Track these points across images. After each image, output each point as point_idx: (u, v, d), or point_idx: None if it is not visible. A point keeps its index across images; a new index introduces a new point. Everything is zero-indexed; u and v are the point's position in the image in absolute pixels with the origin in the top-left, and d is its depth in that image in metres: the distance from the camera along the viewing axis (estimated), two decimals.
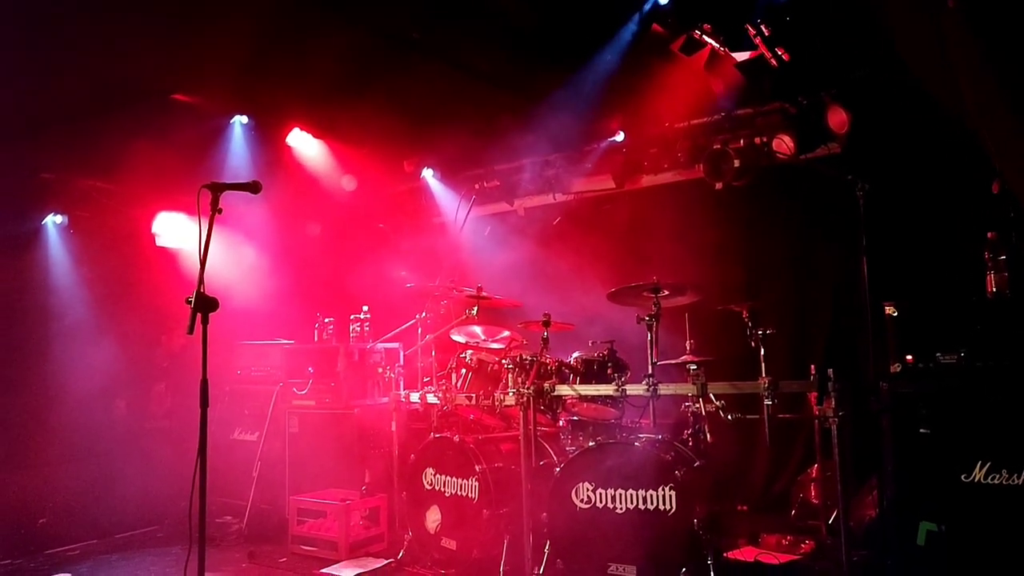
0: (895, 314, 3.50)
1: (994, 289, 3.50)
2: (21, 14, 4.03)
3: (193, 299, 2.95)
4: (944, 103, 2.52)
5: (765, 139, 5.25)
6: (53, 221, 6.13)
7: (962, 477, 3.24)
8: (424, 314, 5.12)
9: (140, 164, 5.74)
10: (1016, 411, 3.18)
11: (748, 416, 4.25)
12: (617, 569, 3.74)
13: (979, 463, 3.22)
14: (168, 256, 6.38)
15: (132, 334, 6.15)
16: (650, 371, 4.13)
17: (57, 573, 4.78)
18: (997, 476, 3.18)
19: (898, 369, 3.47)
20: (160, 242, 6.42)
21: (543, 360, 4.39)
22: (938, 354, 3.38)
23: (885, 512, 3.50)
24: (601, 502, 3.85)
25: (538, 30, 4.66)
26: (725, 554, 4.17)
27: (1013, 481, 3.14)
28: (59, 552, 5.28)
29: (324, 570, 4.64)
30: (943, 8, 2.31)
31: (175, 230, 6.41)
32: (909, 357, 3.45)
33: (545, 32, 4.69)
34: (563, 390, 4.33)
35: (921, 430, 3.36)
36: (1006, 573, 3.12)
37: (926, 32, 2.43)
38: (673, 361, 4.47)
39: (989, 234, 3.54)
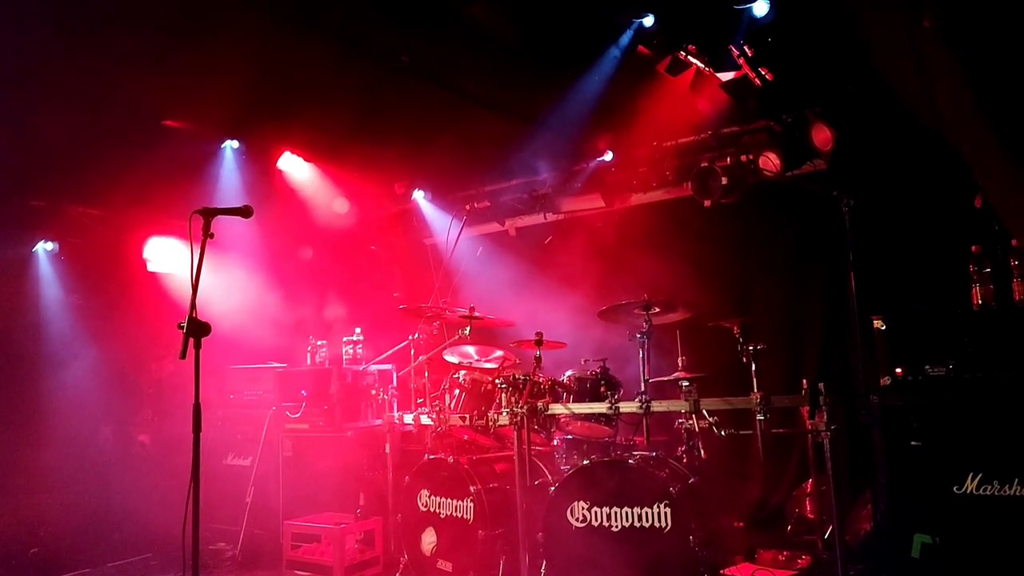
0: (883, 328, 3.54)
1: (980, 301, 3.55)
2: (10, 42, 4.06)
3: (185, 324, 2.95)
4: (924, 118, 2.57)
5: (752, 157, 5.31)
6: (44, 248, 6.12)
7: (954, 489, 3.26)
8: (417, 335, 5.12)
9: (131, 190, 5.76)
10: (1005, 422, 3.21)
11: (741, 432, 4.26)
12: None
13: (971, 474, 3.24)
14: (159, 281, 6.37)
15: (123, 360, 6.13)
16: (643, 388, 4.14)
17: None
18: (989, 487, 3.20)
19: (888, 382, 3.49)
20: (151, 267, 6.42)
21: (536, 379, 4.39)
22: (927, 367, 3.42)
23: (879, 526, 3.51)
24: (596, 520, 3.85)
25: (526, 52, 4.72)
26: (722, 571, 4.16)
27: (1005, 492, 3.16)
28: None
29: None
30: (918, 25, 2.37)
31: (166, 255, 6.41)
32: (899, 370, 3.48)
33: (533, 54, 4.75)
34: (557, 409, 4.33)
35: (912, 443, 3.38)
36: None
37: (903, 48, 2.49)
38: (665, 378, 4.49)
39: (973, 247, 3.60)
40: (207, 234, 3.10)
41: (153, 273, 6.43)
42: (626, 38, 4.51)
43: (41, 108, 4.73)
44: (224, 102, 4.99)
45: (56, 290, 6.05)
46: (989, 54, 2.47)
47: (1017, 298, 3.47)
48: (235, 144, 6.05)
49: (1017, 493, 3.13)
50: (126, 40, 4.22)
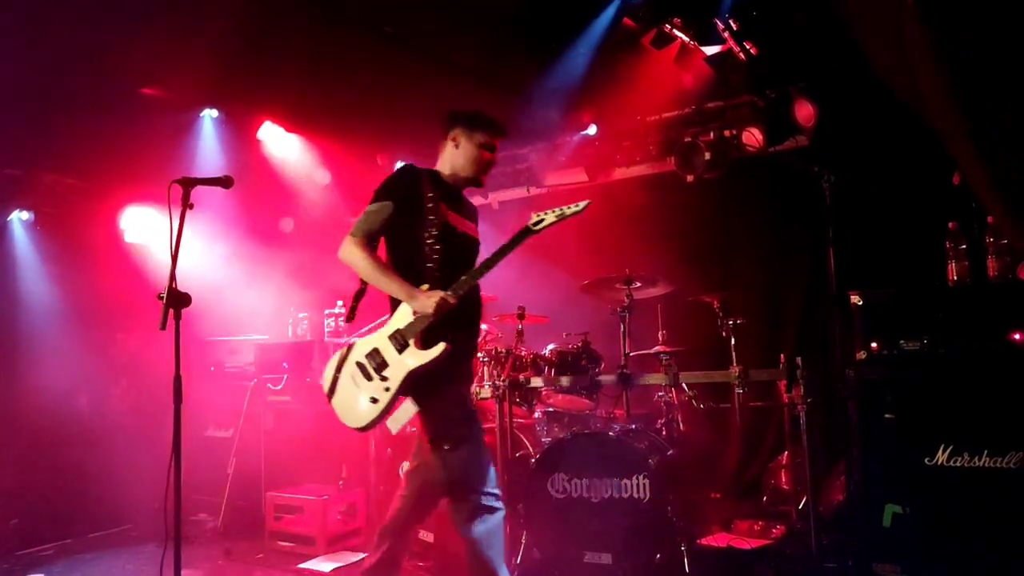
0: (860, 303, 3.58)
1: (955, 277, 3.60)
2: None
3: (165, 295, 2.93)
4: (903, 96, 2.58)
5: (735, 132, 5.33)
6: (19, 218, 6.02)
7: (925, 460, 3.33)
8: None
9: (108, 159, 5.66)
10: (975, 395, 3.28)
11: (720, 405, 4.35)
12: (593, 557, 3.79)
13: (942, 446, 3.31)
14: (136, 252, 6.29)
15: (99, 332, 6.07)
16: (623, 362, 4.19)
17: (31, 573, 4.72)
18: (959, 459, 3.27)
19: (863, 356, 3.55)
20: (128, 238, 6.33)
21: (518, 352, 4.42)
22: (902, 341, 3.47)
23: (852, 496, 3.59)
24: (576, 492, 3.90)
25: (511, 23, 4.67)
26: (698, 540, 4.25)
27: (974, 463, 3.24)
28: (32, 552, 5.22)
29: (302, 565, 4.64)
30: (903, 4, 2.37)
31: (144, 226, 6.33)
32: (874, 344, 3.53)
33: (518, 25, 4.70)
34: (538, 382, 4.37)
35: (886, 415, 3.45)
36: (967, 551, 3.22)
37: (885, 27, 2.49)
38: (646, 352, 4.54)
39: (950, 224, 3.64)
40: (187, 204, 3.07)
41: (130, 244, 6.35)
42: (612, 10, 4.48)
43: (15, 75, 4.62)
44: (203, 71, 4.90)
45: (33, 260, 5.96)
46: (968, 34, 2.47)
47: (991, 274, 3.53)
48: (214, 113, 5.96)
49: (985, 465, 3.22)
50: (103, 3, 4.12)
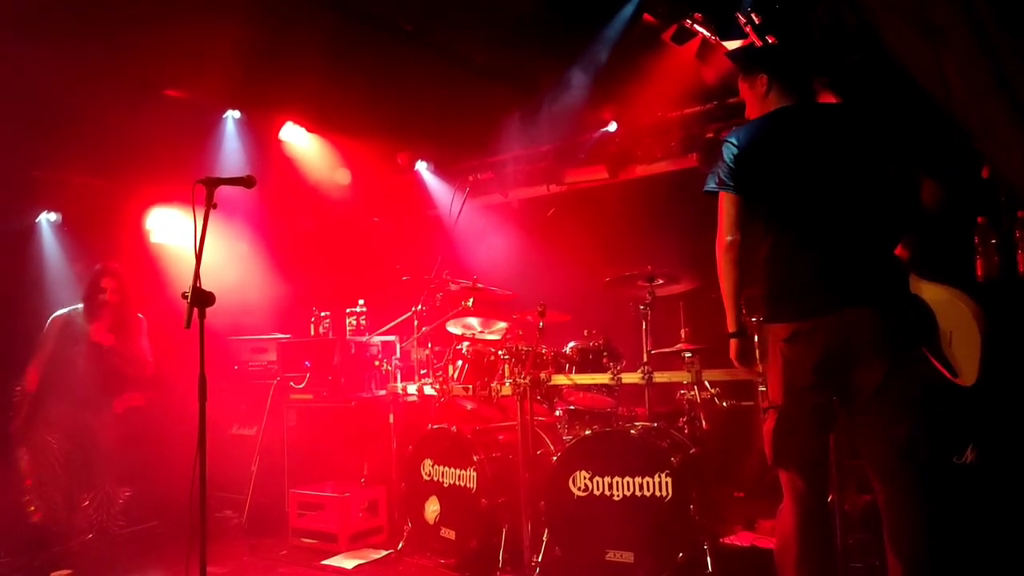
0: None
1: (984, 273, 3.54)
2: (8, 9, 4.02)
3: (189, 293, 2.96)
4: (931, 89, 2.53)
5: None
6: (47, 219, 6.12)
7: (954, 460, 3.28)
8: (420, 307, 5.13)
9: (133, 160, 5.74)
10: (1005, 394, 3.22)
11: (743, 403, 4.29)
12: (615, 555, 3.78)
13: (970, 447, 3.26)
14: (162, 252, 6.37)
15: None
16: (645, 359, 4.16)
17: (57, 570, 4.80)
18: (986, 458, 3.22)
19: None
20: (154, 239, 6.41)
21: (539, 350, 4.41)
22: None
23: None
24: (598, 490, 3.89)
25: (531, 20, 4.66)
26: (721, 539, 4.22)
27: (1001, 462, 3.18)
28: (58, 548, 5.29)
29: (325, 562, 4.67)
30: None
31: (168, 226, 6.40)
32: None
33: (538, 22, 4.69)
34: (559, 380, 4.36)
35: None
36: (994, 549, 3.16)
37: (911, 17, 2.45)
38: (668, 349, 4.51)
39: (979, 219, 3.57)
40: (210, 204, 3.09)
41: (155, 244, 6.43)
42: (632, 6, 4.45)
43: (42, 79, 4.70)
44: (225, 73, 4.95)
45: (61, 261, 6.05)
46: (1006, 22, 2.42)
47: (1022, 270, 3.46)
48: (237, 114, 6.02)
49: (1013, 463, 3.16)
50: (126, 6, 4.18)
